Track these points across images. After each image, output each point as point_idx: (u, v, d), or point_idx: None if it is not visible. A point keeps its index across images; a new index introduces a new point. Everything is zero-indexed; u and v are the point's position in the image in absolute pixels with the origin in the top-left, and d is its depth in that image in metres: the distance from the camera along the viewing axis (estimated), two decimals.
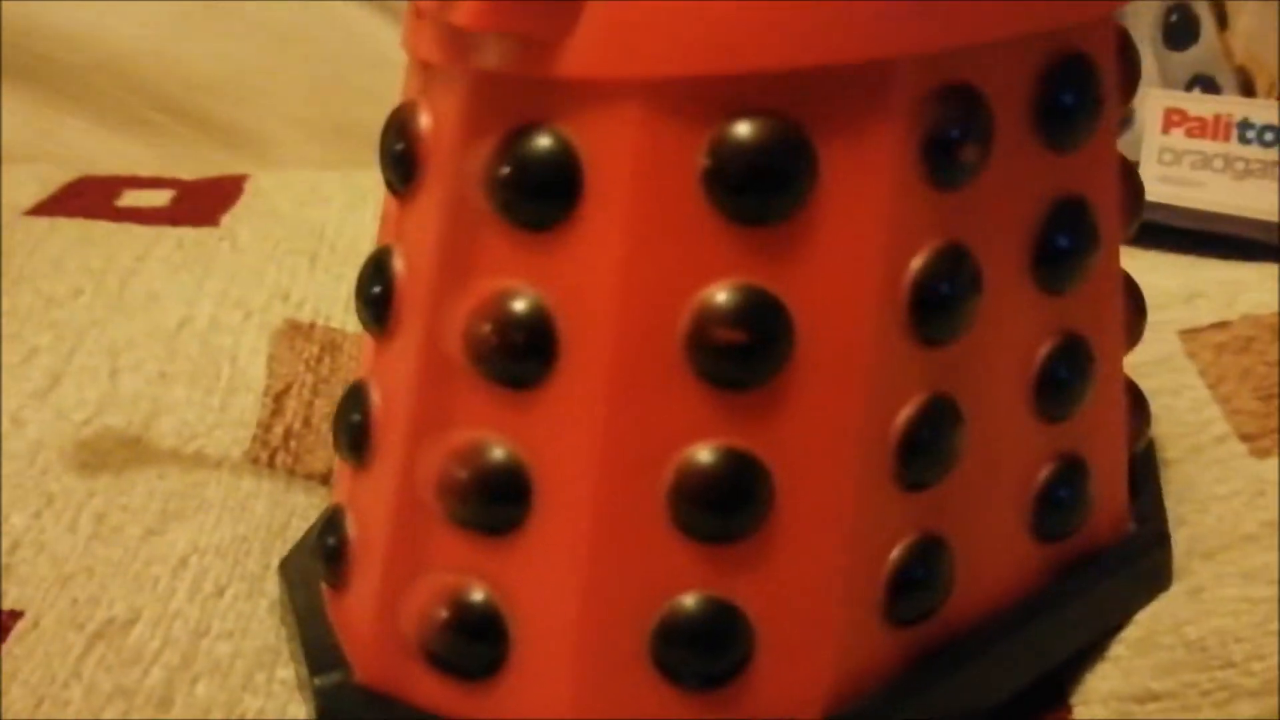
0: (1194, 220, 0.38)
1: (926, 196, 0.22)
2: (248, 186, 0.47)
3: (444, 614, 0.23)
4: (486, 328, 0.22)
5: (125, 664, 0.26)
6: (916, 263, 0.22)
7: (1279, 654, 0.25)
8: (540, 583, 0.22)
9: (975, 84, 0.21)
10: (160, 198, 0.46)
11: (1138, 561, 0.27)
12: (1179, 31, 0.38)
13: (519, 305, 0.22)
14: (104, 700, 0.26)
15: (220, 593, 0.28)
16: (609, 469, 0.22)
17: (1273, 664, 0.25)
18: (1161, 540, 0.27)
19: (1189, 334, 0.35)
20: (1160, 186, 0.39)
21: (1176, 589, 0.28)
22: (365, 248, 0.43)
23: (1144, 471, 0.29)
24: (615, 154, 0.21)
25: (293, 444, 0.33)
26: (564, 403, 0.22)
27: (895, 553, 0.23)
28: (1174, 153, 0.39)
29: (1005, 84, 0.22)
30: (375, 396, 0.25)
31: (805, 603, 0.22)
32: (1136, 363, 0.35)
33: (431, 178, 0.23)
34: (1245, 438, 0.32)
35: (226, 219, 0.44)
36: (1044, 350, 0.24)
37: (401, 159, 0.23)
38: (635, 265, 0.21)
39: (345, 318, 0.39)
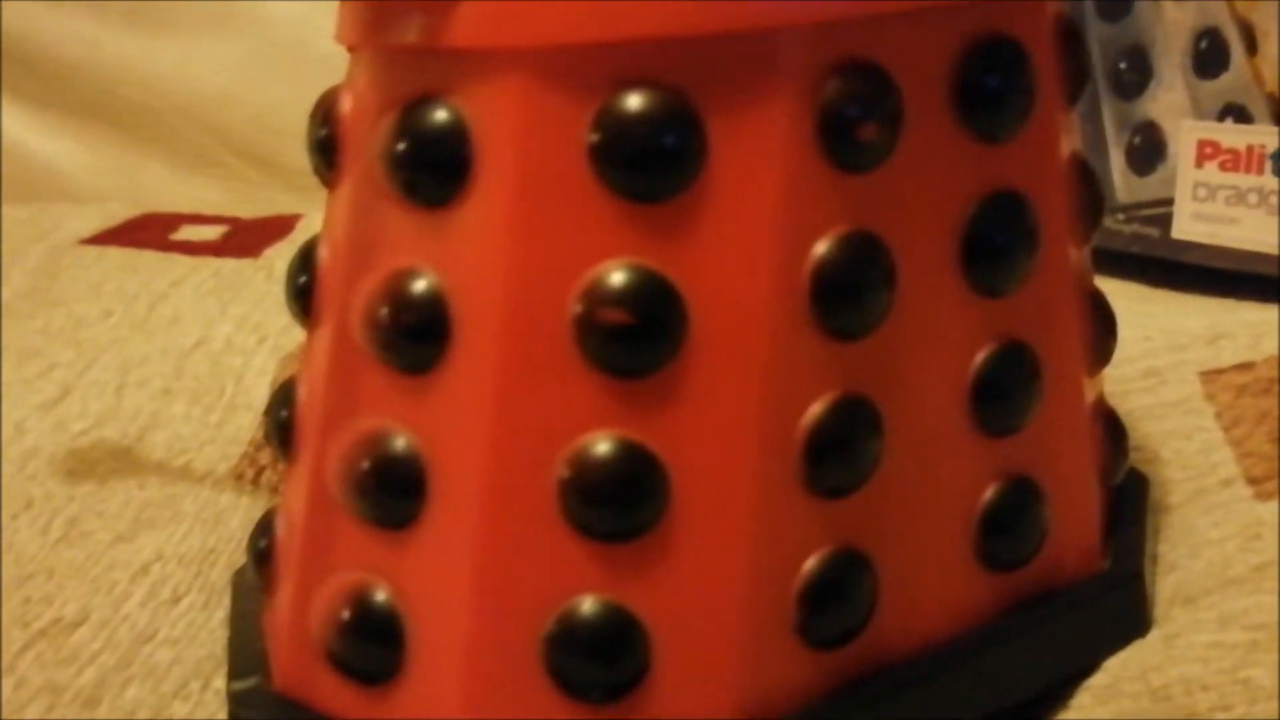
0: (1230, 261, 0.36)
1: (828, 178, 0.20)
2: (299, 224, 0.48)
3: (346, 615, 0.22)
4: (383, 310, 0.21)
5: (61, 662, 0.26)
6: (819, 248, 0.20)
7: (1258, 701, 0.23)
8: (434, 582, 0.21)
9: (879, 61, 0.20)
10: (213, 233, 0.47)
11: (1104, 601, 0.25)
12: (1209, 59, 0.36)
13: (416, 286, 0.21)
14: (30, 695, 0.25)
15: (176, 600, 0.28)
16: (499, 460, 0.20)
17: (1238, 715, 0.22)
18: (1133, 580, 0.25)
19: (1210, 375, 0.33)
20: (1195, 225, 0.37)
21: (1153, 635, 0.25)
22: None
23: (1126, 509, 0.27)
24: (502, 127, 0.20)
25: (281, 463, 0.33)
26: (457, 389, 0.21)
27: (808, 564, 0.21)
28: (1208, 188, 0.36)
29: (917, 64, 0.21)
30: (301, 391, 0.24)
31: (705, 610, 0.21)
32: (1151, 405, 0.33)
33: (348, 160, 0.23)
34: (1252, 480, 0.29)
35: (269, 252, 0.45)
36: (981, 355, 0.22)
37: (324, 145, 0.23)
38: (522, 243, 0.20)
39: None
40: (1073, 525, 0.25)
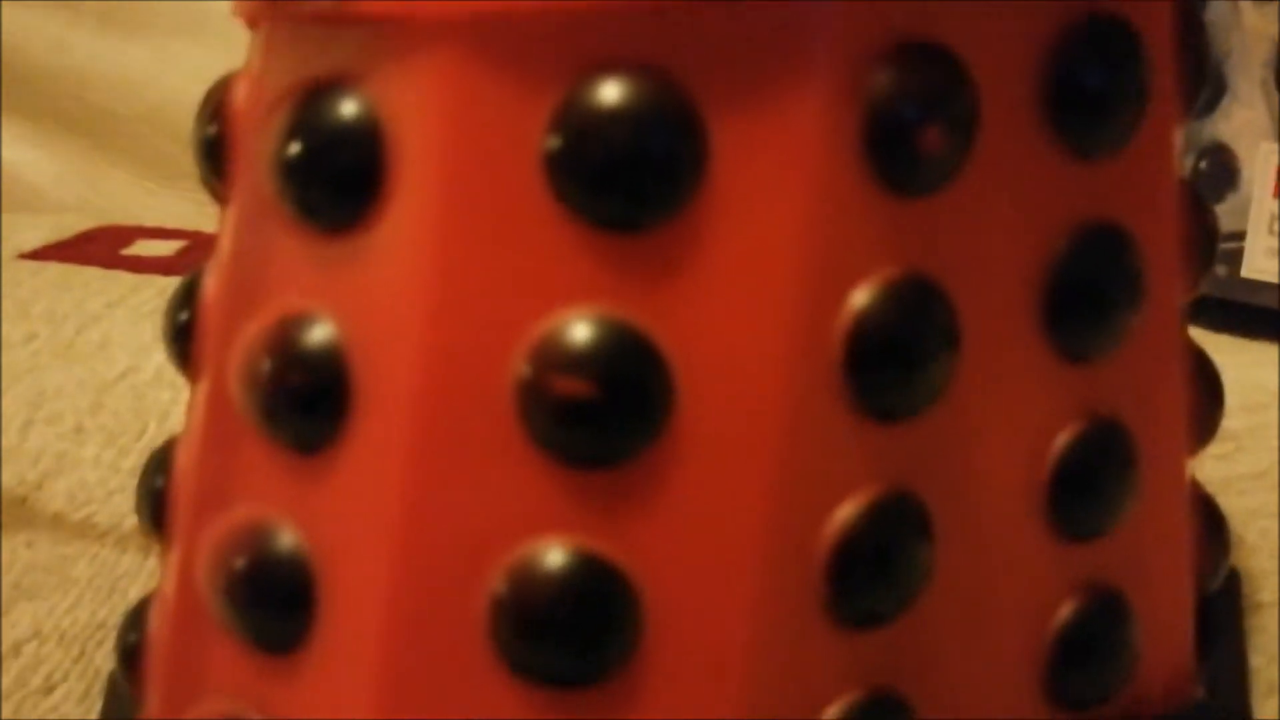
0: None
1: (873, 202, 0.14)
2: None
3: None
4: (266, 366, 0.15)
5: None
6: (858, 298, 0.14)
7: None
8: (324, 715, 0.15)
9: (948, 42, 0.14)
10: (168, 248, 0.42)
11: None
12: None
13: (309, 337, 0.15)
14: None
15: (49, 689, 0.23)
16: (407, 572, 0.15)
17: None
18: (1239, 717, 0.19)
19: None
20: (1271, 262, 0.31)
21: None
22: None
23: (1221, 618, 0.21)
24: (428, 125, 0.14)
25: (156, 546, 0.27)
26: (357, 474, 0.15)
27: (828, 715, 0.15)
28: None
29: (998, 47, 0.15)
30: (180, 457, 0.18)
31: None
32: (1228, 477, 0.27)
33: (238, 168, 0.17)
34: None
35: None
36: (1064, 438, 0.17)
37: (213, 147, 0.17)
38: (449, 283, 0.14)
39: None
40: (1163, 646, 0.19)
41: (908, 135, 0.14)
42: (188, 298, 0.18)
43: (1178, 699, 0.19)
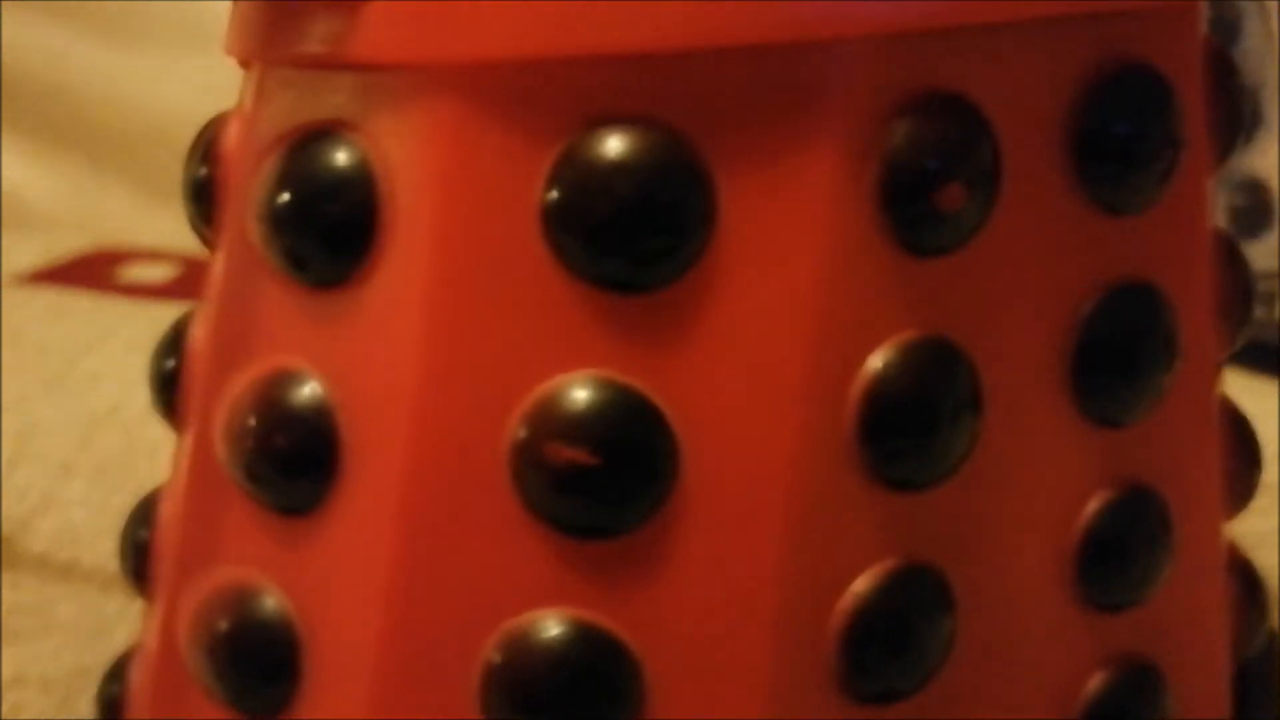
0: None
1: (889, 263, 0.14)
2: None
3: None
4: (251, 424, 0.15)
5: None
6: (875, 363, 0.14)
7: None
8: None
9: (968, 94, 0.14)
10: (163, 273, 0.42)
11: None
12: None
13: (296, 396, 0.15)
14: None
15: None
16: (397, 643, 0.14)
17: None
18: None
19: None
20: None
21: None
22: None
23: (1260, 685, 0.20)
24: (423, 176, 0.14)
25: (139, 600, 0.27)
26: (345, 539, 0.15)
27: None
28: None
29: (1022, 98, 0.14)
30: (163, 510, 0.18)
31: None
32: (1269, 530, 0.27)
33: (227, 215, 0.17)
34: None
35: None
36: (1093, 506, 0.16)
37: (203, 190, 0.17)
38: (442, 344, 0.14)
39: None
40: (1198, 714, 0.19)
41: (926, 192, 0.14)
42: (174, 345, 0.18)
43: None
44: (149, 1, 0.52)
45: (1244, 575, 0.20)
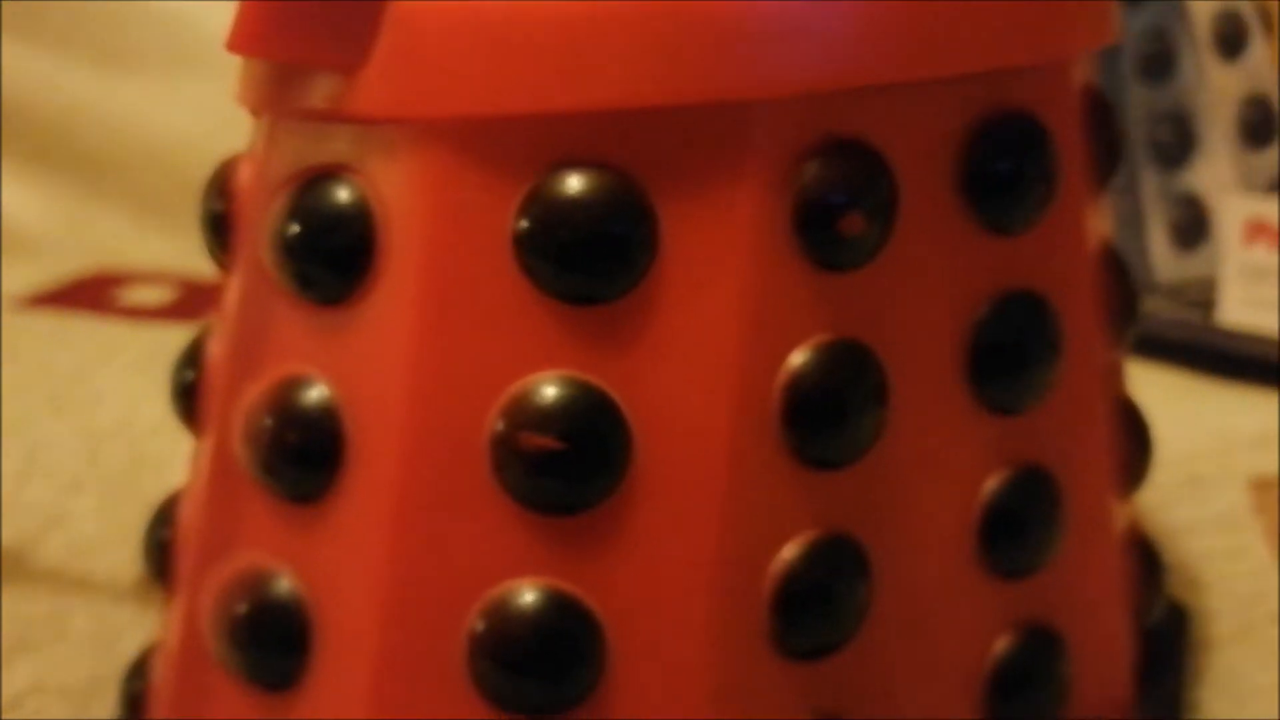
0: None
1: (806, 278, 0.17)
2: None
3: None
4: (266, 424, 0.18)
5: None
6: (794, 361, 0.17)
7: None
8: None
9: (871, 140, 0.17)
10: (162, 295, 0.45)
11: None
12: (1259, 127, 0.34)
13: (305, 398, 0.18)
14: None
15: None
16: (395, 612, 0.17)
17: None
18: None
19: (1261, 485, 0.30)
20: (1244, 311, 0.34)
21: None
22: None
23: (1164, 652, 0.24)
24: (413, 211, 0.17)
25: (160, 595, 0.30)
26: (349, 523, 0.18)
27: None
28: (1258, 271, 0.34)
29: (917, 143, 0.18)
30: (184, 510, 0.21)
31: None
32: (1196, 518, 0.30)
33: (239, 243, 0.20)
34: None
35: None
36: (992, 483, 0.19)
37: (218, 222, 0.20)
38: (431, 350, 0.17)
39: None
40: (1099, 678, 0.22)
41: (832, 220, 0.17)
42: (193, 358, 0.21)
43: None
44: (143, 28, 0.54)
45: (1143, 550, 0.23)
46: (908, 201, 0.18)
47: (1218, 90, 0.35)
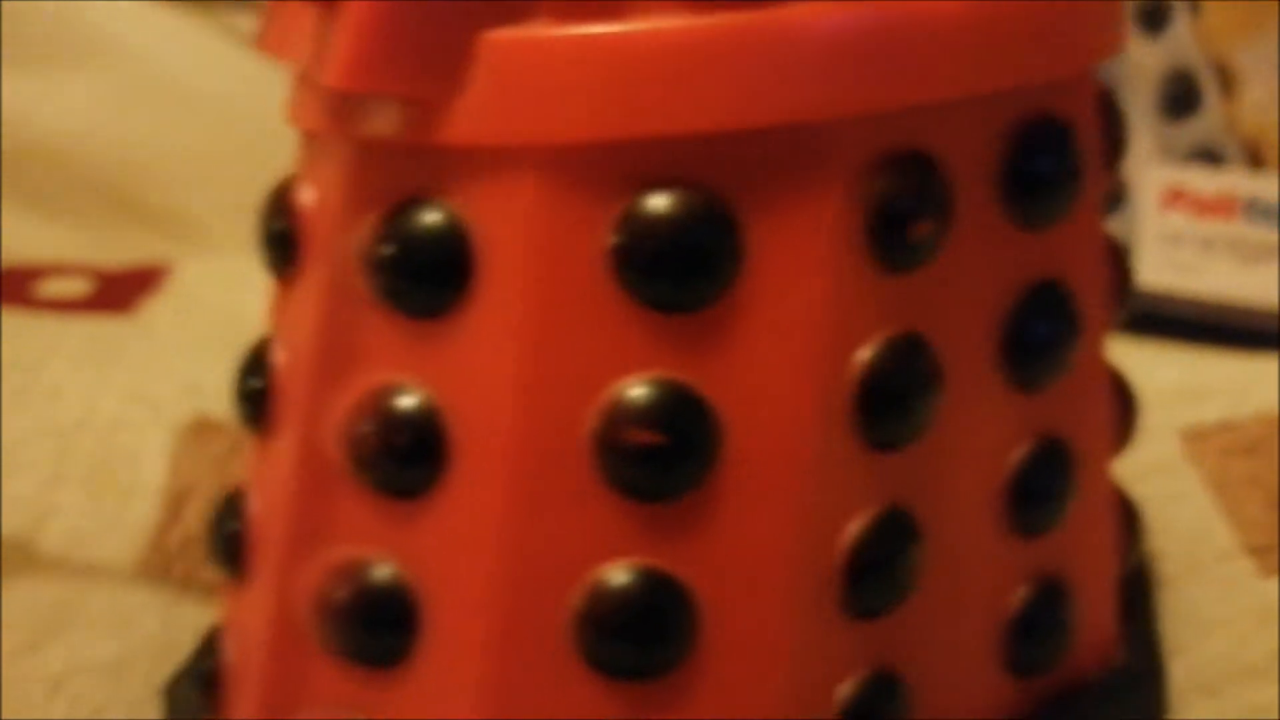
0: (1198, 311, 0.36)
1: (874, 280, 0.19)
2: (173, 274, 0.45)
3: None
4: (367, 428, 0.20)
5: None
6: (864, 355, 0.20)
7: None
8: None
9: (929, 150, 0.19)
10: (80, 286, 0.45)
11: (1128, 698, 0.25)
12: (1179, 100, 0.37)
13: (404, 403, 0.20)
14: None
15: (100, 715, 0.26)
16: (504, 593, 0.19)
17: None
18: (1156, 675, 0.25)
19: (1192, 435, 0.33)
20: (1161, 274, 0.37)
21: None
22: None
23: (1136, 592, 0.27)
24: (511, 231, 0.19)
25: (191, 552, 0.31)
26: (455, 515, 0.19)
27: (843, 690, 0.20)
28: (1175, 236, 0.37)
29: (966, 151, 0.20)
30: (253, 504, 0.22)
31: None
32: (1133, 466, 0.33)
33: (312, 258, 0.21)
34: (1252, 551, 0.29)
35: (145, 308, 0.42)
36: (1018, 455, 0.22)
37: (281, 239, 0.21)
38: (534, 358, 0.19)
39: None
40: (1094, 620, 0.25)
41: (903, 226, 0.19)
42: (256, 367, 0.22)
43: (1105, 663, 0.25)
44: (31, 24, 0.54)
45: (1125, 505, 0.26)
46: (959, 204, 0.20)
47: (1138, 65, 0.38)
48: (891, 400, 0.20)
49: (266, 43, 0.22)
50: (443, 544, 0.20)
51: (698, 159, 0.18)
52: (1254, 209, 0.36)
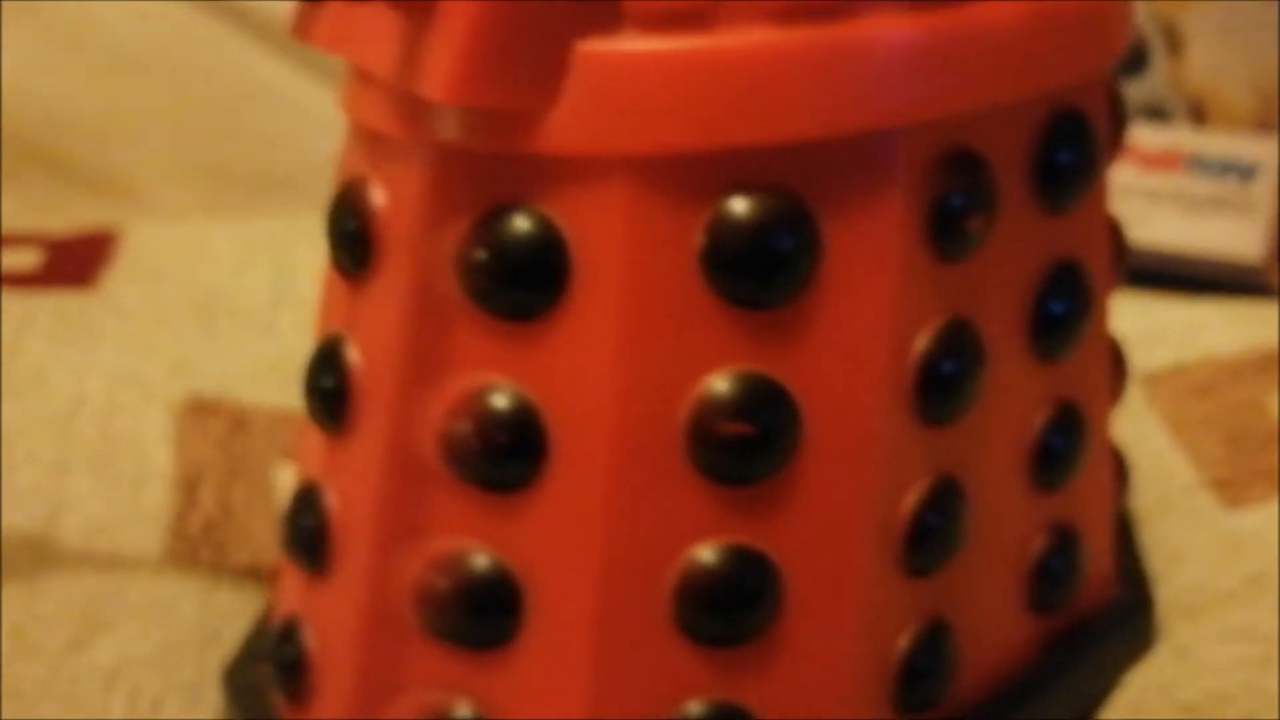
0: (1146, 260, 0.39)
1: (931, 270, 0.21)
2: (124, 241, 0.45)
3: None
4: (465, 427, 0.21)
5: None
6: (921, 341, 0.21)
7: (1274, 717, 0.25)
8: (535, 701, 0.21)
9: (977, 148, 0.21)
10: (31, 258, 0.44)
11: (1125, 626, 0.27)
12: (1128, 60, 0.39)
13: (501, 402, 0.21)
14: None
15: (158, 707, 0.27)
16: (608, 575, 0.21)
17: None
18: (1146, 605, 0.28)
19: (1148, 379, 0.36)
20: None
21: (1163, 650, 0.28)
22: (262, 311, 0.41)
23: (1122, 530, 0.29)
24: (605, 236, 0.20)
25: (215, 536, 0.31)
26: (556, 505, 0.21)
27: (902, 641, 0.22)
28: (1123, 188, 0.39)
29: (1005, 146, 0.22)
30: (331, 499, 0.23)
31: (815, 701, 0.22)
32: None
33: (391, 262, 0.22)
34: (1213, 485, 0.32)
35: (106, 280, 0.42)
36: (1040, 420, 0.24)
37: (354, 240, 0.22)
38: (630, 355, 0.20)
39: (253, 390, 0.37)
40: (1096, 560, 0.27)
41: (960, 220, 0.21)
42: (329, 365, 0.23)
43: (1105, 597, 0.27)
44: None
45: (1116, 455, 0.28)
46: (1001, 196, 0.21)
47: None
48: (945, 382, 0.21)
49: (314, 34, 0.22)
50: (544, 533, 0.21)
51: (779, 164, 0.20)
52: (1197, 164, 0.39)
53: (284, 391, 0.37)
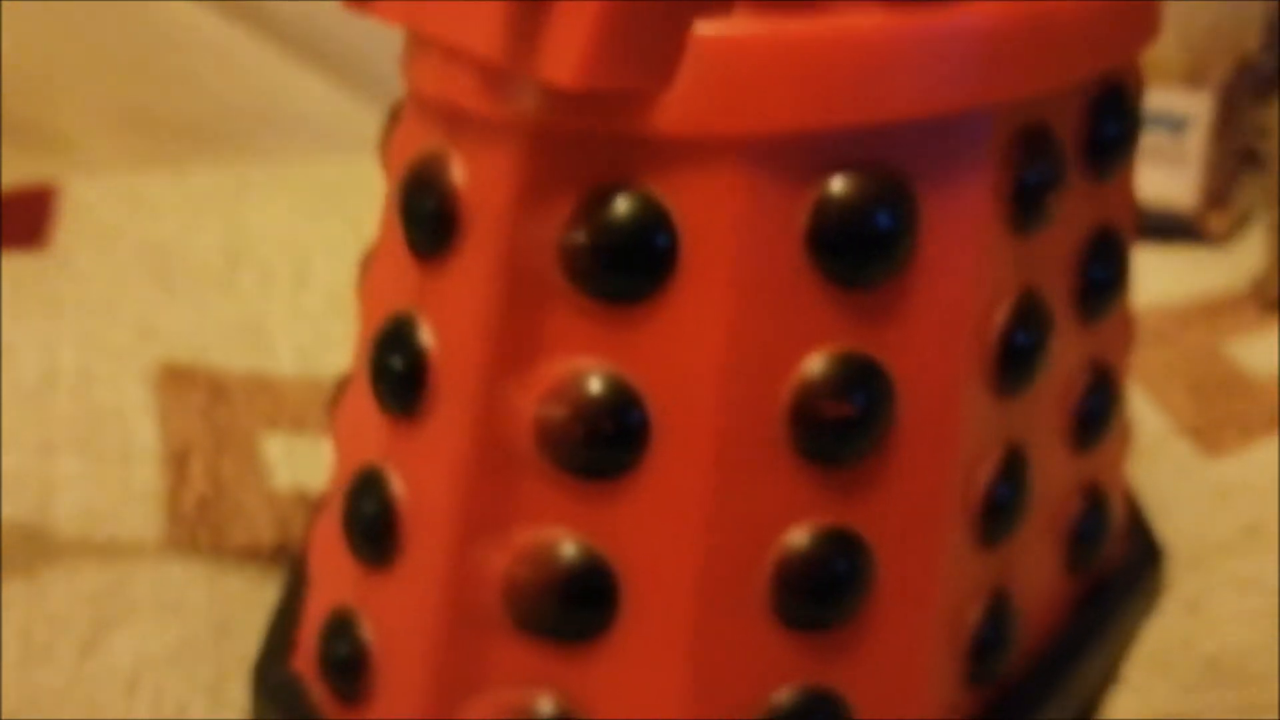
0: None
1: (1010, 245, 0.21)
2: (64, 196, 0.42)
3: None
4: (562, 413, 0.20)
5: None
6: (999, 315, 0.21)
7: None
8: (628, 693, 0.21)
9: (1048, 124, 0.21)
10: None
11: (1140, 580, 0.28)
12: None
13: (599, 386, 0.20)
14: None
15: (183, 709, 0.25)
16: (708, 562, 0.20)
17: None
18: (1158, 554, 0.28)
19: None
20: None
21: (1176, 604, 0.28)
22: (218, 270, 0.39)
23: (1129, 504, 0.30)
24: (714, 218, 0.19)
25: (210, 516, 0.30)
26: (656, 492, 0.20)
27: (972, 615, 0.22)
28: None
29: (1067, 121, 0.22)
30: (398, 486, 0.22)
31: (901, 682, 0.21)
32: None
33: (476, 243, 0.21)
34: (1187, 432, 0.33)
35: (55, 240, 0.40)
36: (1082, 384, 0.24)
37: (433, 219, 0.21)
38: (737, 338, 0.20)
39: (223, 354, 0.35)
40: (1119, 518, 0.27)
41: (1040, 195, 0.21)
42: (399, 347, 0.22)
43: (1121, 552, 0.28)
44: None
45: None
46: (1069, 169, 0.21)
47: None
48: (1020, 354, 0.21)
49: (374, 3, 0.21)
50: (641, 520, 0.20)
51: (882, 143, 0.19)
52: None
53: (256, 354, 0.35)
